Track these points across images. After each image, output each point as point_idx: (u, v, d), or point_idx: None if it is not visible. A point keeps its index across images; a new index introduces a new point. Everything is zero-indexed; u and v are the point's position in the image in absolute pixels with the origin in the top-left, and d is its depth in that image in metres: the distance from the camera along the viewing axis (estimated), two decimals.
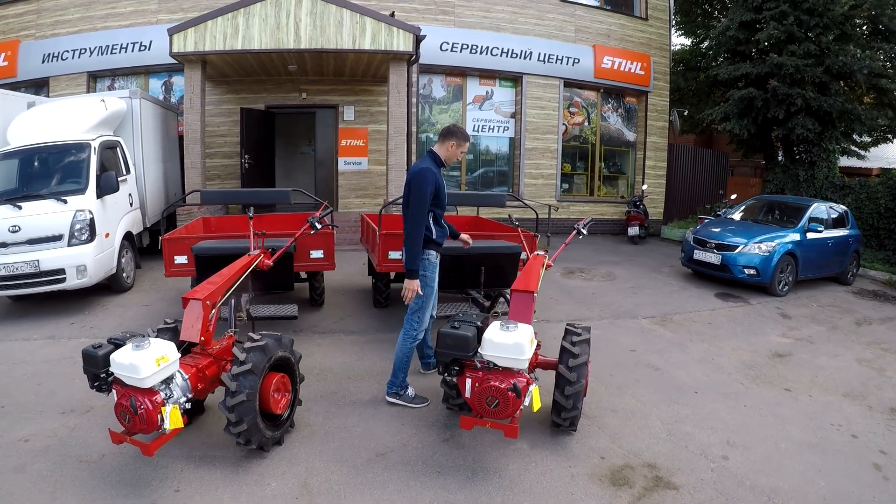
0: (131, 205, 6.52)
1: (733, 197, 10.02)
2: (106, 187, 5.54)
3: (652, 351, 4.66)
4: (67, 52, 9.51)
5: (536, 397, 2.62)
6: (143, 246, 7.10)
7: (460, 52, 10.16)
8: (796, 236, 7.03)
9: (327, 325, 4.95)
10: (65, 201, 5.22)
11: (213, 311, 2.93)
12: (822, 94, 9.78)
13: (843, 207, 8.13)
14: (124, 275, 5.93)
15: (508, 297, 3.98)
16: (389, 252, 4.56)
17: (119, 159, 6.37)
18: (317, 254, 4.71)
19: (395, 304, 5.40)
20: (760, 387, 4.02)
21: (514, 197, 5.76)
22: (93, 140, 5.77)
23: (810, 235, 7.12)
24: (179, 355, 2.59)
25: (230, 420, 2.54)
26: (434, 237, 3.23)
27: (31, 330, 4.73)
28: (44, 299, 5.45)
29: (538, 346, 3.18)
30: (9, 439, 2.92)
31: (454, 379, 2.75)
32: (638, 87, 11.55)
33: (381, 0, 9.39)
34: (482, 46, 10.26)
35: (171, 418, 2.39)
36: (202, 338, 2.80)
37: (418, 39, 7.88)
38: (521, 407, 2.58)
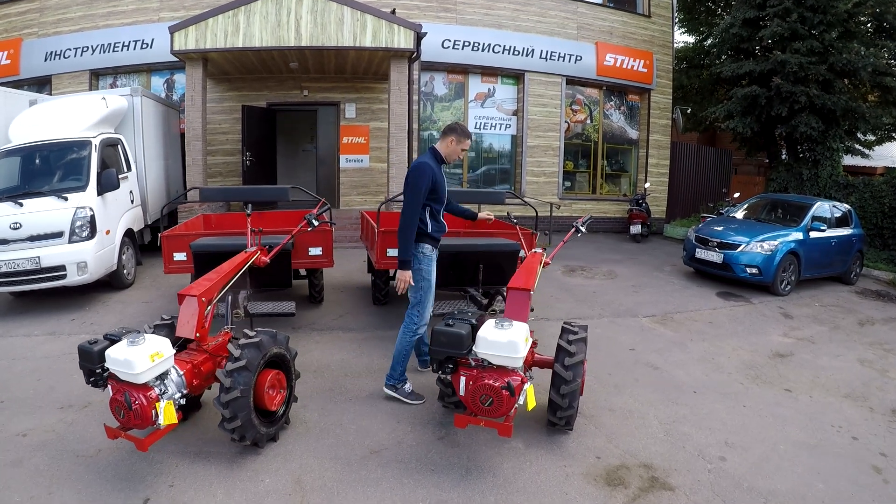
0: (132, 202, 6.54)
1: (736, 195, 9.96)
2: (106, 184, 5.56)
3: (651, 350, 4.64)
4: (70, 50, 9.55)
5: (531, 396, 2.61)
6: (145, 243, 7.13)
7: (462, 49, 10.13)
8: (799, 235, 6.97)
9: (326, 322, 4.95)
10: (65, 198, 5.24)
11: (209, 308, 2.94)
12: (826, 91, 9.70)
13: (847, 206, 8.06)
14: (125, 271, 5.96)
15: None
16: (388, 249, 4.56)
17: (120, 157, 6.39)
18: (315, 251, 4.71)
19: (395, 302, 5.40)
20: (760, 387, 3.99)
21: (513, 195, 5.75)
22: (94, 138, 5.79)
23: (813, 234, 7.06)
24: (174, 351, 2.60)
25: (224, 416, 2.55)
26: (429, 231, 3.25)
27: (32, 326, 4.76)
28: (45, 296, 5.48)
29: (534, 344, 3.17)
30: (7, 434, 2.94)
31: (449, 377, 2.75)
32: (641, 85, 11.49)
33: None
34: (484, 44, 10.23)
35: (166, 414, 2.40)
36: (198, 334, 2.80)
37: (419, 37, 7.87)
38: (516, 405, 2.58)
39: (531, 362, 3.07)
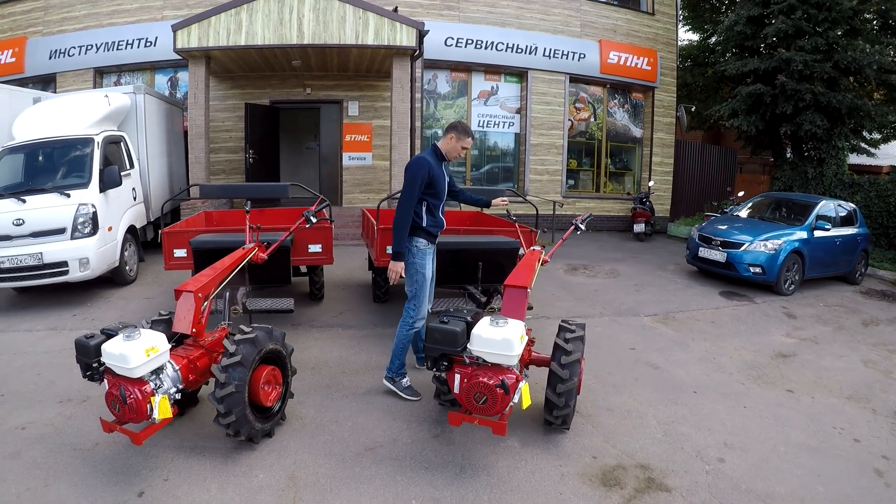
0: (135, 199, 6.57)
1: (741, 194, 9.88)
2: (109, 181, 5.59)
3: (652, 349, 4.60)
4: (74, 48, 9.61)
5: (526, 394, 2.58)
6: (148, 240, 7.16)
7: (465, 47, 10.11)
8: (803, 234, 6.90)
9: (326, 319, 4.96)
10: (68, 195, 5.27)
11: (206, 304, 2.94)
12: (832, 89, 9.60)
13: (852, 205, 7.97)
14: (127, 268, 5.99)
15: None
16: (387, 247, 4.52)
17: (123, 154, 6.42)
18: (315, 248, 4.71)
19: (395, 299, 5.39)
20: (762, 387, 3.95)
21: (514, 192, 5.73)
22: (96, 135, 5.82)
23: (818, 233, 6.99)
24: (170, 346, 2.60)
25: (219, 411, 2.55)
26: (424, 225, 3.27)
27: (34, 321, 4.80)
28: (47, 291, 5.52)
29: (531, 342, 3.16)
30: (6, 427, 2.96)
31: (443, 374, 2.74)
32: (645, 83, 11.42)
33: None
34: (487, 41, 10.19)
35: (160, 408, 2.40)
36: (194, 329, 2.81)
37: (421, 35, 7.85)
38: (511, 404, 2.56)
39: (528, 360, 3.06)
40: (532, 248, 3.81)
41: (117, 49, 9.55)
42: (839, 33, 9.64)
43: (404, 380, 3.43)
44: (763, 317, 5.82)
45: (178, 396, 2.60)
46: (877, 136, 11.69)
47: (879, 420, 3.53)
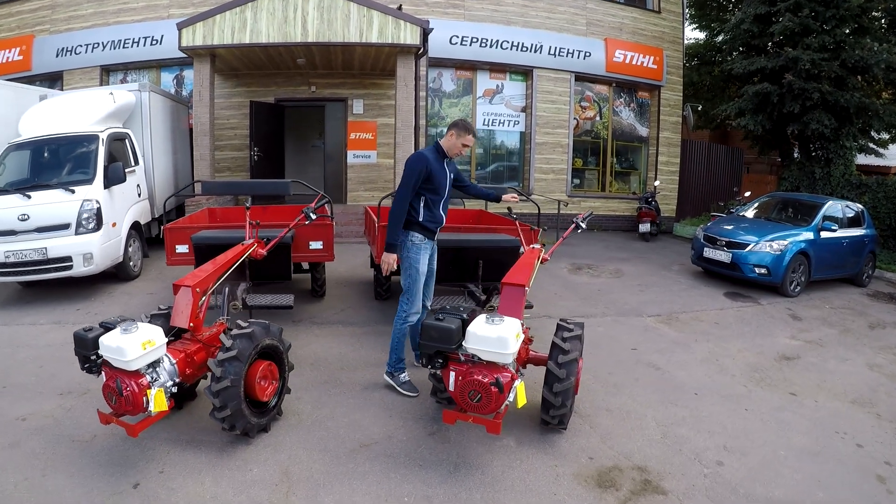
0: (139, 195, 6.62)
1: (747, 194, 9.78)
2: (113, 178, 5.63)
3: (654, 350, 4.56)
4: (81, 46, 9.69)
5: (521, 393, 2.57)
6: (152, 236, 7.22)
7: (470, 45, 10.08)
8: (809, 235, 6.82)
9: (327, 315, 4.97)
10: (72, 191, 5.32)
11: (204, 298, 2.96)
12: (839, 88, 9.47)
13: (860, 206, 7.86)
14: (131, 263, 6.04)
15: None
16: None
17: (128, 151, 6.47)
18: (316, 245, 4.72)
19: (397, 297, 5.37)
20: (764, 390, 3.90)
21: (517, 191, 5.71)
22: (101, 132, 5.87)
23: (824, 234, 6.90)
24: (167, 340, 2.61)
25: (215, 405, 2.57)
26: (420, 219, 3.28)
27: (38, 315, 4.85)
28: (52, 286, 5.57)
29: (529, 340, 3.14)
30: (7, 418, 2.99)
31: (439, 371, 2.73)
32: (651, 82, 11.34)
33: None
34: (492, 40, 10.17)
35: (157, 401, 2.42)
36: (191, 324, 2.82)
37: (426, 33, 7.84)
38: (506, 403, 2.54)
39: (525, 359, 3.04)
40: (531, 245, 3.79)
41: (123, 47, 9.63)
42: (847, 31, 9.52)
43: (402, 375, 3.43)
44: (767, 318, 5.75)
45: (174, 390, 2.62)
46: (885, 136, 11.52)
47: (884, 425, 3.47)
